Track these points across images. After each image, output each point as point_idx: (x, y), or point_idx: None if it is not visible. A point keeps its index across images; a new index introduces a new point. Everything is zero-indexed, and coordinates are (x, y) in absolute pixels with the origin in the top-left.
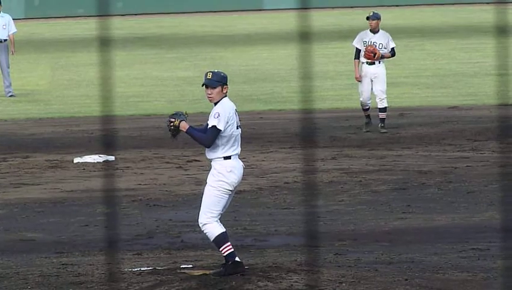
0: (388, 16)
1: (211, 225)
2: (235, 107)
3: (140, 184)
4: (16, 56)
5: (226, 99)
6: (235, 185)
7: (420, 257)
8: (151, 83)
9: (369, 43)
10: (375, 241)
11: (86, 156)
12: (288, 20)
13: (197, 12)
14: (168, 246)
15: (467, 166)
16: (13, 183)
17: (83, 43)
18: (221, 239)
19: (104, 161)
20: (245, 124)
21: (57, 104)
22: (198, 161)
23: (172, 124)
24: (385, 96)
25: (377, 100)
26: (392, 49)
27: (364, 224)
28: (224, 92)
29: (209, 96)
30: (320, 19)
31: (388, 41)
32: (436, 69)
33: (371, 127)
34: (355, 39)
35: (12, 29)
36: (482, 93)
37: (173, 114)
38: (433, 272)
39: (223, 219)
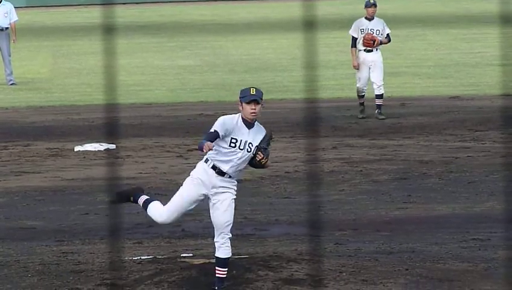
0: (389, 5)
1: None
2: None
3: (141, 173)
4: (17, 44)
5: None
6: None
7: (421, 247)
8: (152, 71)
9: (367, 30)
10: (376, 231)
11: (86, 145)
12: (290, 9)
13: (198, 1)
14: (169, 235)
15: (468, 156)
16: (14, 172)
17: (84, 32)
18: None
19: (105, 150)
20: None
21: (58, 93)
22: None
23: (260, 160)
24: (382, 83)
25: (374, 87)
26: (388, 35)
27: (365, 214)
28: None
29: (254, 111)
30: (321, 9)
31: (384, 27)
32: (438, 59)
33: (365, 113)
34: (352, 28)
35: (14, 17)
36: (483, 83)
37: (265, 149)
38: (434, 262)
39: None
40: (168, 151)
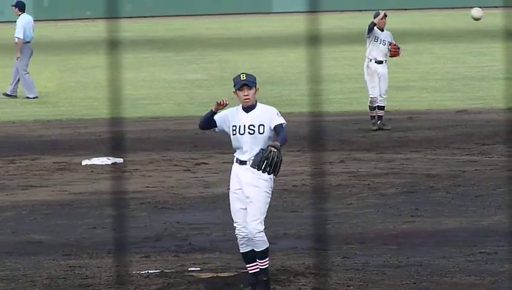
0: (397, 19)
1: (264, 235)
2: None
3: (148, 187)
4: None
5: (260, 103)
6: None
7: (428, 261)
8: (159, 85)
9: (379, 41)
10: (383, 245)
11: (94, 158)
12: (297, 23)
13: (205, 14)
14: (176, 249)
15: (475, 170)
16: (21, 185)
17: (91, 46)
18: (268, 250)
19: (112, 163)
20: None
21: (65, 106)
22: (206, 163)
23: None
24: (386, 95)
25: (379, 99)
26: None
27: (372, 227)
28: (257, 94)
29: (246, 97)
30: (329, 22)
31: (391, 39)
32: (445, 72)
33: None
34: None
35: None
36: (490, 97)
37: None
38: (441, 275)
39: (231, 221)
40: (176, 165)
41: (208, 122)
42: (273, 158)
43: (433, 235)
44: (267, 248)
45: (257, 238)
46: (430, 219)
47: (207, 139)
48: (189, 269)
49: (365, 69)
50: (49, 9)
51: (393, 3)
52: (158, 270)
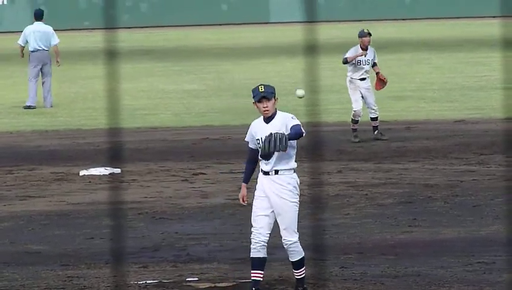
0: (394, 29)
1: (299, 245)
2: None
3: (146, 197)
4: (22, 68)
5: (280, 111)
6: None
7: (426, 271)
8: (157, 95)
9: (363, 61)
10: (381, 255)
11: (91, 169)
12: (294, 33)
13: (202, 25)
14: (174, 259)
15: (473, 180)
16: (19, 196)
17: (89, 56)
18: (304, 260)
19: (110, 174)
20: None
21: (63, 117)
22: (204, 173)
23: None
24: (376, 107)
25: (371, 111)
26: (375, 63)
27: (370, 237)
28: (276, 105)
29: (266, 109)
30: (326, 32)
31: (375, 57)
32: (443, 82)
33: (360, 137)
34: (348, 52)
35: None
36: (488, 106)
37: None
38: (439, 285)
39: (229, 231)
40: (174, 175)
41: (251, 163)
42: (275, 138)
43: (431, 245)
44: (302, 258)
45: (291, 249)
46: (428, 229)
47: (204, 149)
48: (187, 279)
49: (348, 84)
50: (46, 20)
51: (390, 13)
52: (156, 281)
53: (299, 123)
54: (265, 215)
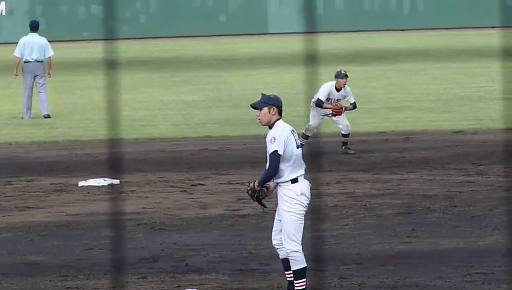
0: (392, 40)
1: (301, 254)
2: (291, 128)
3: (145, 208)
4: (19, 79)
5: (280, 122)
6: (307, 206)
7: (425, 281)
8: (156, 106)
9: (333, 100)
10: (380, 266)
11: (90, 180)
12: (293, 44)
13: (201, 36)
14: (173, 270)
15: (472, 190)
16: (18, 207)
17: (87, 67)
18: (304, 272)
19: (108, 185)
20: (250, 148)
21: (62, 128)
22: (203, 184)
23: (251, 192)
24: (349, 127)
25: (344, 130)
26: (354, 103)
27: (369, 248)
28: (273, 113)
29: (257, 118)
30: (324, 43)
31: (349, 97)
32: (441, 93)
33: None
34: (321, 93)
35: (16, 51)
36: (487, 117)
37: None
38: None
39: (228, 242)
40: (172, 186)
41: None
42: (252, 197)
43: (429, 255)
44: (300, 269)
45: (290, 257)
46: (427, 239)
47: (203, 160)
48: (185, 289)
49: (312, 104)
50: (45, 31)
51: (389, 24)
52: None
53: (273, 150)
54: (277, 219)
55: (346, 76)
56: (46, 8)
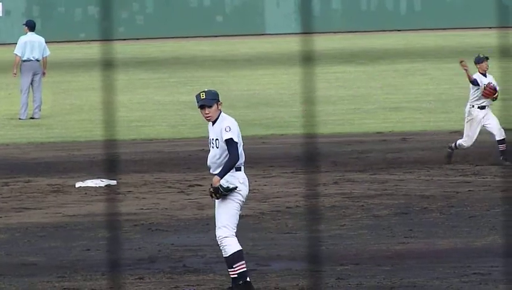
0: (390, 40)
1: (231, 240)
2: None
3: (142, 208)
4: (16, 80)
5: (224, 114)
6: (246, 197)
7: (422, 282)
8: (153, 107)
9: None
10: (377, 266)
11: (87, 181)
12: (290, 45)
13: (198, 36)
14: (170, 271)
15: (469, 191)
16: (15, 208)
17: (84, 68)
18: (238, 256)
19: (106, 186)
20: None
21: (59, 129)
22: (200, 185)
23: (213, 190)
24: None
25: (498, 135)
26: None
27: (366, 248)
28: (220, 108)
29: (207, 115)
30: (321, 44)
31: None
32: (438, 93)
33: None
34: (475, 82)
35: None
36: None
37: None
38: None
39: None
40: (170, 187)
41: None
42: (216, 194)
43: (426, 256)
44: (235, 253)
45: (222, 244)
46: (424, 239)
47: (200, 161)
48: None
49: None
50: (42, 32)
51: (386, 25)
52: None
53: (229, 137)
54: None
55: (487, 58)
56: (43, 9)
